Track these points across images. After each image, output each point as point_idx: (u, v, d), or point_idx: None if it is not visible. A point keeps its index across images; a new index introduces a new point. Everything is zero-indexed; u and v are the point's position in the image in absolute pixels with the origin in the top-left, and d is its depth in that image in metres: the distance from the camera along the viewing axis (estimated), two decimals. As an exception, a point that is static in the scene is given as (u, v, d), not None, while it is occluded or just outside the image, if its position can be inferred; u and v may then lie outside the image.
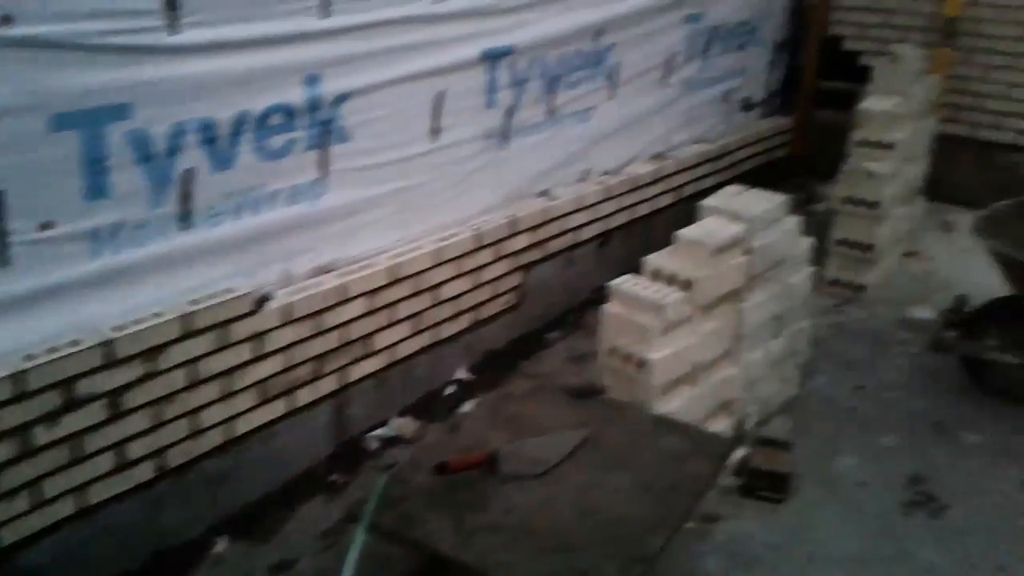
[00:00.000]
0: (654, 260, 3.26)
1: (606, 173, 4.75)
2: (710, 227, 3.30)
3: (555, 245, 4.35)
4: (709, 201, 3.51)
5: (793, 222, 3.63)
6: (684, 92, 5.25)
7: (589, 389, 2.99)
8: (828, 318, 4.60)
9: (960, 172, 5.97)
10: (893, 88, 4.92)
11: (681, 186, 5.20)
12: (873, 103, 4.80)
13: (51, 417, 2.49)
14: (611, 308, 3.16)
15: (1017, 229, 3.91)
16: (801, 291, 3.76)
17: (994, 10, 5.69)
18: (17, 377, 2.40)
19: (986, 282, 4.17)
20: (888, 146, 4.69)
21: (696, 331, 3.20)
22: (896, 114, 4.72)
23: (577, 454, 2.66)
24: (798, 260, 3.72)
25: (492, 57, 3.87)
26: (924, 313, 4.51)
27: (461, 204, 3.92)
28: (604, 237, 4.71)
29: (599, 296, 4.55)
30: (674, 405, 3.14)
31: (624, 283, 3.16)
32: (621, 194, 4.74)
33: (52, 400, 2.48)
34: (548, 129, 4.32)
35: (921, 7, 5.93)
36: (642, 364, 3.05)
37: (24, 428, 2.44)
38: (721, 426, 3.39)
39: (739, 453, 3.31)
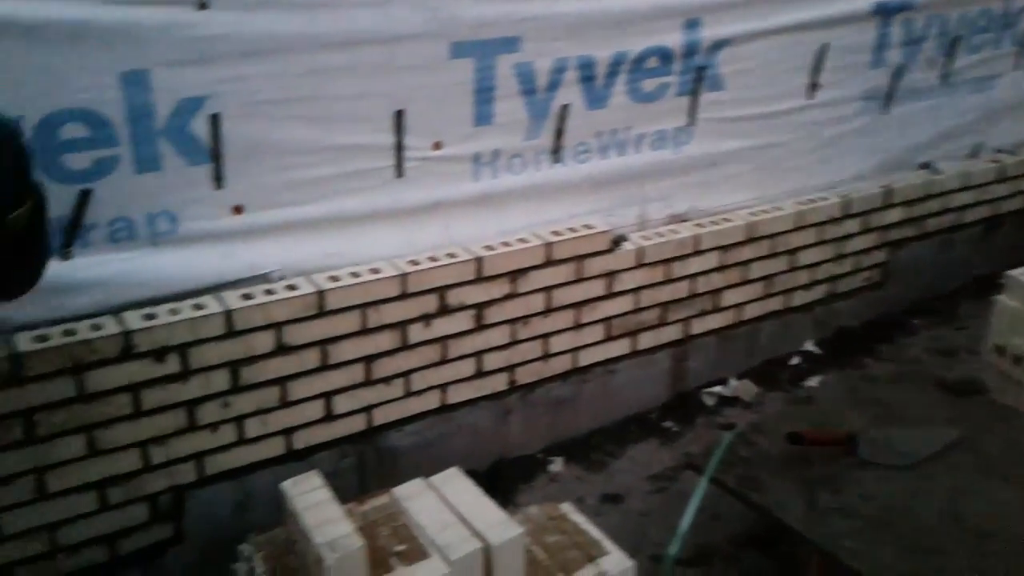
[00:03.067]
0: (1067, 250, 2.78)
1: (1001, 151, 4.17)
2: None
3: (933, 224, 3.92)
4: None
5: None
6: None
7: (968, 386, 2.64)
8: None
9: None
10: None
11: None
12: None
13: (426, 319, 2.71)
14: (1005, 301, 2.75)
15: None
16: None
17: None
18: (402, 279, 2.64)
19: None
20: None
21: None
22: None
23: (948, 454, 2.37)
24: None
25: (886, 11, 3.52)
26: None
27: (829, 168, 3.65)
28: (992, 222, 4.15)
29: (980, 285, 4.06)
30: (1073, 419, 2.68)
31: (1025, 273, 2.74)
32: (1019, 176, 4.13)
33: (429, 304, 2.70)
34: (939, 96, 3.87)
35: None
36: (1039, 366, 2.63)
37: (403, 325, 2.68)
38: None
39: None
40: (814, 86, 3.46)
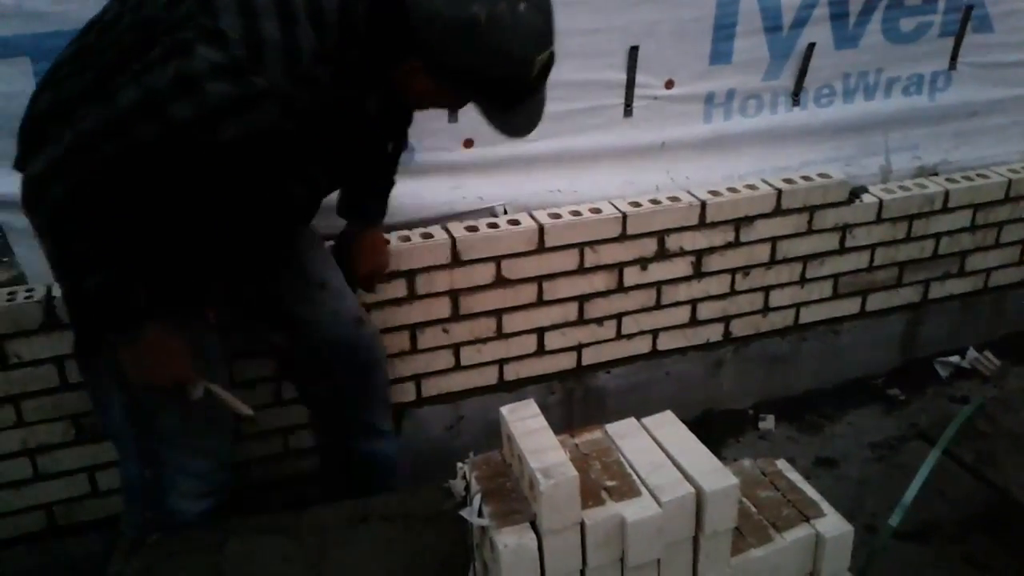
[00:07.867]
0: None
1: None
2: None
3: None
4: None
5: None
6: None
7: None
8: None
9: None
10: None
11: None
12: None
13: (643, 262, 2.67)
14: None
15: None
16: None
17: None
18: (622, 220, 2.59)
19: None
20: None
21: None
22: None
23: None
24: None
25: None
26: None
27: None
28: None
29: None
30: None
31: None
32: None
33: (647, 247, 2.66)
34: None
35: None
36: None
37: (619, 267, 2.65)
38: None
39: None
40: (1105, 29, 3.03)
